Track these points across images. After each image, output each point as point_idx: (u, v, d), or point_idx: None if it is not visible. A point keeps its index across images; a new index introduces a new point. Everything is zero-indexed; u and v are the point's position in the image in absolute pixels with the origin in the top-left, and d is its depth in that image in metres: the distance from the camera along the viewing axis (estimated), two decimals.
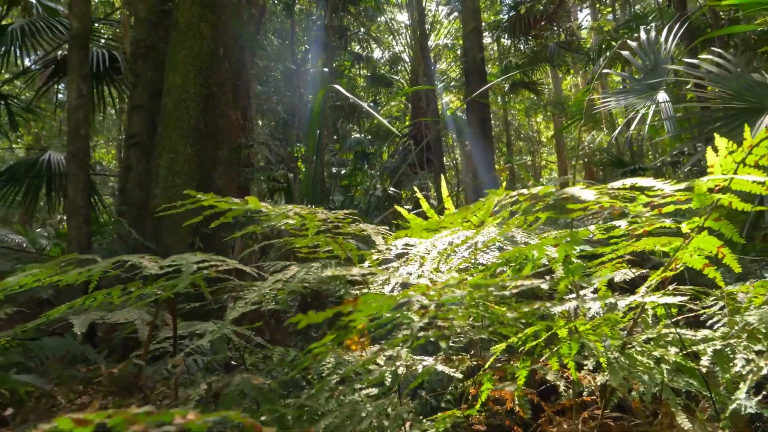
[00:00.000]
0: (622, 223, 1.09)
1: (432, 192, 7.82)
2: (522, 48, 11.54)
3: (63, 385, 1.19)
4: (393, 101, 13.72)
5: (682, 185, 0.81)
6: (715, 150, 0.88)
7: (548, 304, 0.82)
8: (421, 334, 0.80)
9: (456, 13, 12.88)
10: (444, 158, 10.73)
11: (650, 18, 8.51)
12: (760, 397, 1.06)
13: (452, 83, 15.13)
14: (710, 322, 1.28)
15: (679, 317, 1.36)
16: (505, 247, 1.29)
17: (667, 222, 1.05)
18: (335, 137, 11.09)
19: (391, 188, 5.95)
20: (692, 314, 1.28)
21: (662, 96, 3.63)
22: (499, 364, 1.25)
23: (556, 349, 1.01)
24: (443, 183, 1.71)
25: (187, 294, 1.37)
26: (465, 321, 0.95)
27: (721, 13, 5.84)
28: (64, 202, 5.73)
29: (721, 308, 1.19)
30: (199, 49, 3.41)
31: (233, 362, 1.87)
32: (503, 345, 1.09)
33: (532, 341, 1.05)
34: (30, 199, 5.70)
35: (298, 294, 2.25)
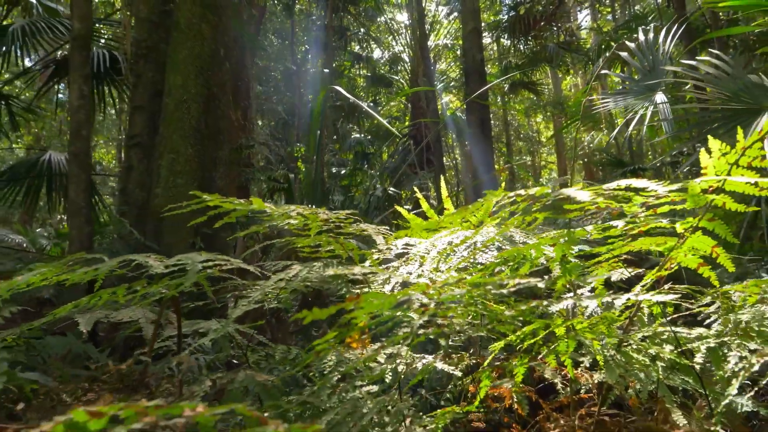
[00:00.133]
0: (619, 223, 1.11)
1: (432, 192, 7.84)
2: (522, 48, 11.56)
3: (68, 382, 1.20)
4: (393, 101, 13.74)
5: (676, 186, 0.83)
6: (709, 152, 0.90)
7: (545, 303, 0.83)
8: (421, 331, 0.81)
9: (456, 14, 12.90)
10: (444, 158, 10.75)
11: (650, 18, 8.53)
12: (752, 393, 1.08)
13: (452, 83, 15.15)
14: (707, 321, 1.30)
15: (675, 315, 1.38)
16: (503, 247, 1.31)
17: (664, 222, 1.07)
18: (335, 137, 11.10)
19: (391, 188, 5.97)
20: (688, 313, 1.29)
21: (660, 97, 3.65)
22: (498, 362, 1.27)
23: (553, 346, 1.02)
24: (443, 183, 1.73)
25: (190, 293, 1.39)
26: (464, 319, 0.97)
27: (720, 13, 5.86)
28: (64, 202, 5.75)
29: (716, 307, 1.21)
30: (200, 49, 3.43)
31: (234, 361, 1.89)
32: (502, 343, 1.10)
33: (531, 339, 1.07)
34: (30, 199, 5.72)
35: (299, 293, 2.27)
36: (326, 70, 9.55)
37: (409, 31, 12.53)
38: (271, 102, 11.24)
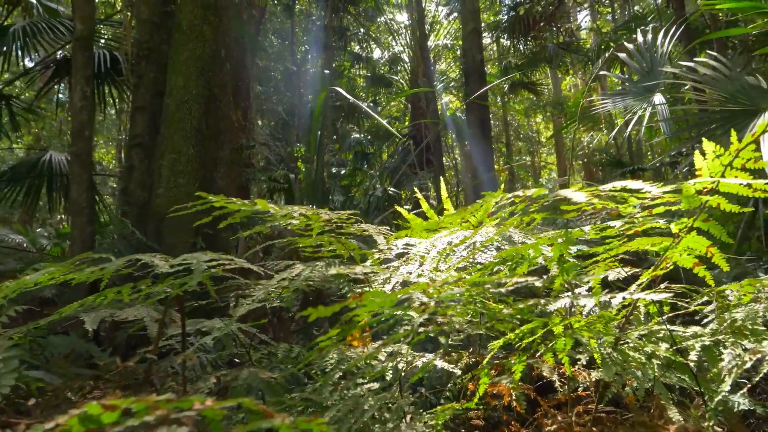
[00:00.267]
0: (616, 224, 1.13)
1: (431, 192, 7.86)
2: (521, 49, 11.58)
3: (73, 381, 1.22)
4: (393, 102, 13.76)
5: (670, 187, 0.85)
6: (703, 153, 0.91)
7: (542, 302, 0.85)
8: (421, 329, 0.83)
9: (455, 14, 12.92)
10: (443, 158, 10.76)
11: (649, 19, 8.55)
12: (749, 392, 1.09)
13: (452, 83, 15.17)
14: (705, 320, 1.32)
15: (673, 315, 1.40)
16: (502, 247, 1.32)
17: (661, 222, 1.09)
18: (335, 137, 11.12)
19: (391, 188, 5.98)
20: (684, 311, 1.31)
21: (658, 98, 3.67)
22: (497, 361, 1.28)
23: (551, 344, 1.04)
24: (442, 183, 1.74)
25: (193, 292, 1.41)
26: (464, 317, 0.98)
27: (719, 14, 5.88)
28: (64, 202, 5.77)
29: (713, 306, 1.22)
30: (201, 51, 3.45)
31: (236, 360, 1.91)
32: (501, 341, 1.12)
33: (529, 338, 1.09)
34: (31, 199, 5.74)
35: (300, 293, 2.29)
36: (327, 71, 9.56)
37: (408, 32, 12.55)
38: (271, 102, 11.25)
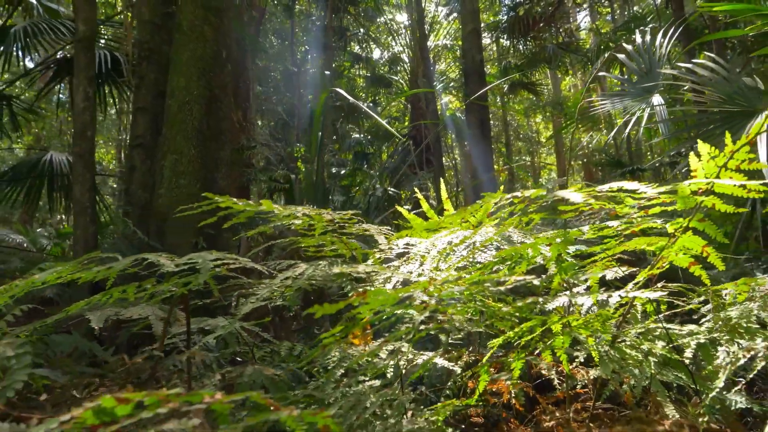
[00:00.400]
0: (614, 224, 1.15)
1: (431, 192, 7.88)
2: (521, 49, 11.60)
3: (80, 378, 1.24)
4: (392, 102, 13.78)
5: (666, 188, 0.86)
6: (698, 155, 0.93)
7: (541, 300, 0.87)
8: (422, 327, 0.85)
9: (455, 14, 12.93)
10: (443, 158, 10.78)
11: (648, 19, 8.56)
12: (745, 389, 1.11)
13: (451, 84, 15.19)
14: (702, 318, 1.34)
15: (671, 313, 1.42)
16: (501, 246, 1.34)
17: (659, 222, 1.11)
18: (335, 137, 11.13)
19: (391, 189, 6.00)
20: (681, 310, 1.33)
21: (657, 99, 3.69)
22: (496, 359, 1.30)
23: (549, 342, 1.06)
24: (442, 184, 1.76)
25: (196, 291, 1.42)
26: (463, 315, 1.00)
27: (719, 15, 5.89)
28: (65, 202, 5.79)
29: (706, 304, 1.24)
30: (202, 51, 3.47)
31: (238, 359, 1.93)
32: (500, 339, 1.14)
33: (528, 336, 1.10)
34: (32, 198, 5.76)
35: (302, 293, 2.31)
36: (327, 72, 9.57)
37: (408, 32, 12.57)
38: (271, 102, 11.26)
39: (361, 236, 1.53)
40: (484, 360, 1.16)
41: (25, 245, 7.14)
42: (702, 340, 1.01)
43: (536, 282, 0.82)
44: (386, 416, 0.95)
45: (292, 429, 0.58)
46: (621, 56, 4.18)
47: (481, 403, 1.30)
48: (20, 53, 5.54)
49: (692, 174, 0.95)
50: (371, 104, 12.77)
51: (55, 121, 13.16)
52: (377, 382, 1.10)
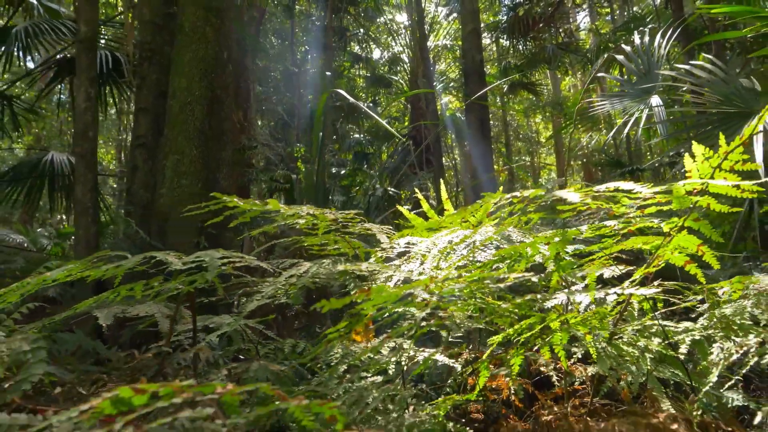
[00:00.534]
0: (612, 223, 1.17)
1: (431, 192, 7.90)
2: (521, 49, 11.63)
3: (87, 375, 1.26)
4: (392, 102, 13.80)
5: (660, 188, 0.89)
6: (693, 156, 0.96)
7: (539, 297, 0.89)
8: (423, 324, 0.87)
9: (455, 14, 12.96)
10: (443, 159, 10.81)
11: (648, 20, 8.58)
12: (731, 383, 1.13)
13: (451, 84, 15.22)
14: (700, 315, 1.36)
15: (668, 311, 1.44)
16: (501, 246, 1.36)
17: (656, 222, 1.13)
18: (335, 137, 11.16)
19: (391, 189, 6.02)
20: (676, 308, 1.36)
21: (655, 100, 3.72)
22: (496, 355, 1.32)
23: (548, 339, 1.08)
24: (442, 184, 1.78)
25: (201, 289, 1.45)
26: (464, 311, 1.02)
27: (718, 16, 5.91)
28: (66, 202, 5.81)
29: (702, 302, 1.27)
30: (203, 52, 3.49)
31: (241, 356, 1.95)
32: (500, 337, 1.16)
33: (527, 333, 1.13)
34: (33, 198, 5.79)
35: (304, 291, 2.33)
36: (328, 73, 9.60)
37: (408, 32, 12.59)
38: (271, 102, 11.29)
39: (362, 235, 1.55)
40: (484, 356, 1.19)
41: (25, 245, 7.16)
42: (697, 337, 1.03)
43: (535, 279, 0.84)
44: (388, 411, 0.98)
45: (299, 420, 0.61)
46: (620, 57, 4.21)
47: (481, 398, 1.32)
48: (21, 54, 5.56)
49: (686, 174, 0.97)
50: (371, 104, 12.80)
51: (56, 121, 13.18)
52: (379, 378, 1.12)
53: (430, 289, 0.87)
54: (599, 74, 6.05)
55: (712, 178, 0.96)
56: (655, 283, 1.21)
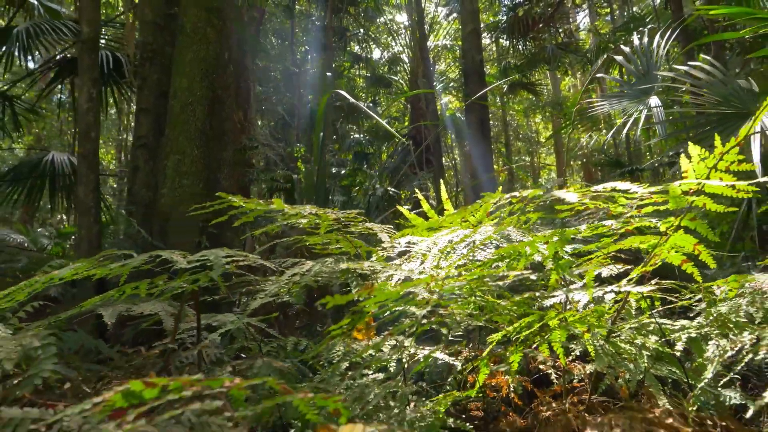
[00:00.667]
0: (611, 223, 1.19)
1: (431, 192, 7.92)
2: (520, 49, 11.65)
3: (91, 373, 1.28)
4: (393, 102, 13.82)
5: (657, 188, 0.90)
6: (689, 157, 0.97)
7: (537, 295, 0.91)
8: (424, 321, 0.89)
9: (455, 14, 12.98)
10: (443, 159, 10.82)
11: (648, 20, 8.60)
12: (726, 379, 1.15)
13: (451, 84, 15.23)
14: (697, 314, 1.38)
15: (667, 308, 1.46)
16: (501, 245, 1.38)
17: (654, 221, 1.15)
18: (334, 137, 11.18)
19: (391, 189, 6.04)
20: (674, 306, 1.37)
21: (654, 101, 3.74)
22: (495, 353, 1.34)
23: (546, 336, 1.10)
24: (442, 184, 1.80)
25: (204, 288, 1.46)
26: (464, 309, 1.04)
27: (717, 17, 5.92)
28: (66, 202, 5.82)
29: (699, 301, 1.28)
30: (205, 53, 3.50)
31: (243, 355, 1.97)
32: (500, 335, 1.18)
33: (526, 331, 1.14)
34: (33, 198, 5.80)
35: (306, 290, 2.35)
36: (328, 73, 9.61)
37: (408, 32, 12.61)
38: (271, 102, 11.30)
39: (363, 235, 1.57)
40: (484, 354, 1.20)
41: (26, 245, 7.18)
42: (693, 335, 1.05)
43: (534, 278, 0.86)
44: (390, 407, 0.99)
45: (303, 414, 0.62)
46: (619, 58, 4.22)
47: (481, 395, 1.34)
48: (22, 54, 5.58)
49: (683, 175, 0.98)
50: (371, 104, 12.82)
51: (56, 121, 13.20)
52: (380, 376, 1.14)
53: (430, 288, 0.89)
54: (599, 74, 6.07)
55: (707, 178, 0.98)
56: (653, 282, 1.23)
